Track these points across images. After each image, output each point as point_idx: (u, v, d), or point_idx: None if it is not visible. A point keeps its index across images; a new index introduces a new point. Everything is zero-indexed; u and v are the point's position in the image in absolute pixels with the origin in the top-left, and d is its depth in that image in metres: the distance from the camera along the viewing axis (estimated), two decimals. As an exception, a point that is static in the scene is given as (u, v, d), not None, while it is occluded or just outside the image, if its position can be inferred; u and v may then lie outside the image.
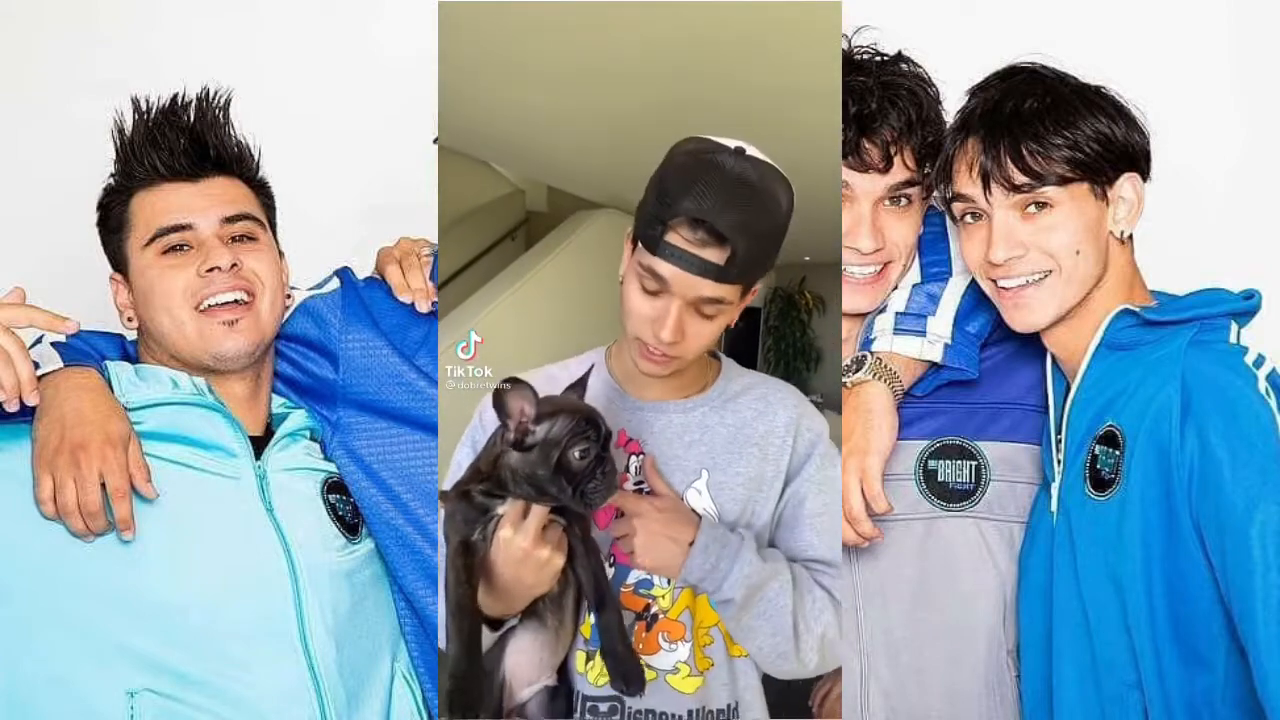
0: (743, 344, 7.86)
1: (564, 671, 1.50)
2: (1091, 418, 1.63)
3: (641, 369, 1.47)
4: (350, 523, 1.76)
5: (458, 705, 1.31)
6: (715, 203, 1.35)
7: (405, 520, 1.78)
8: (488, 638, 1.45)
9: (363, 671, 1.72)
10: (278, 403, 1.83)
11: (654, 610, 1.49)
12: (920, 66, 1.83)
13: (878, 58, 1.81)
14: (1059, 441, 1.69)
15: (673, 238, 1.36)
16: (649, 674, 1.46)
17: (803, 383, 7.88)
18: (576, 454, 1.31)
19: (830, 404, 1.67)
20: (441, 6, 2.05)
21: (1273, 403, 1.51)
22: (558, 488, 1.32)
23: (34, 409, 1.57)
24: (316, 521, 1.72)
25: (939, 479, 1.78)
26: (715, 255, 1.36)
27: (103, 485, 1.54)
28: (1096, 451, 1.61)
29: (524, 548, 1.36)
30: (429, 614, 1.77)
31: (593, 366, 1.48)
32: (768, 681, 1.58)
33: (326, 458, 1.80)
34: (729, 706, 1.50)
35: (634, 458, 1.49)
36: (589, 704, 1.46)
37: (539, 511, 1.36)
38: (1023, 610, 1.75)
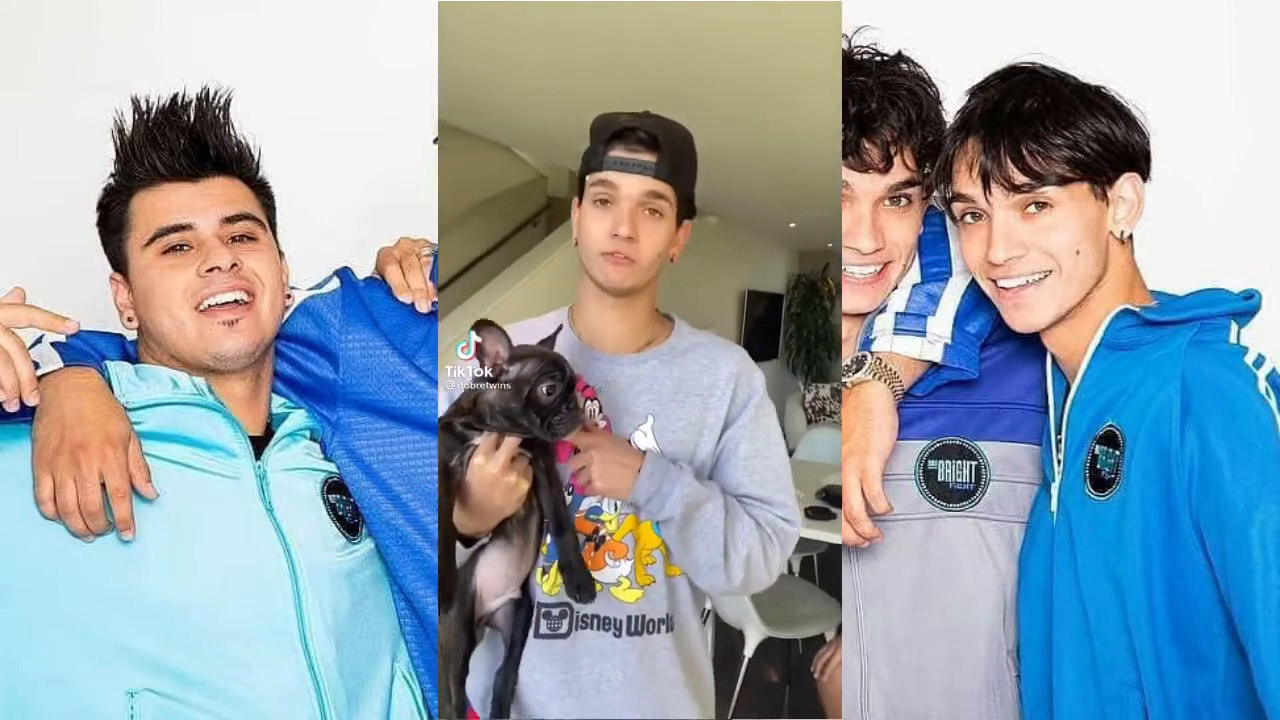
0: (764, 330, 7.89)
1: (526, 587, 1.70)
2: (1091, 418, 1.64)
3: (609, 282, 1.69)
4: (350, 523, 1.76)
5: (439, 594, 1.58)
6: (640, 122, 1.69)
7: (405, 520, 1.78)
8: (462, 554, 1.66)
9: (363, 671, 1.72)
10: (278, 403, 1.83)
11: (602, 533, 1.70)
12: (920, 66, 1.83)
13: (878, 58, 1.81)
14: (1059, 441, 1.69)
15: (613, 152, 1.67)
16: (596, 586, 1.68)
17: (824, 369, 7.93)
18: (544, 390, 1.52)
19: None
20: (441, 6, 2.05)
21: (1273, 403, 1.51)
22: (528, 420, 1.53)
23: (34, 409, 1.57)
24: (316, 521, 1.72)
25: (939, 479, 1.78)
26: (649, 156, 1.67)
27: (103, 485, 1.54)
28: (1096, 451, 1.61)
29: (494, 473, 1.57)
30: (429, 614, 1.77)
31: (561, 326, 1.70)
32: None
33: (326, 458, 1.80)
34: (666, 617, 1.71)
35: (590, 402, 1.69)
36: (543, 609, 1.69)
37: (509, 442, 1.57)
38: (1023, 610, 1.75)
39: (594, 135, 1.72)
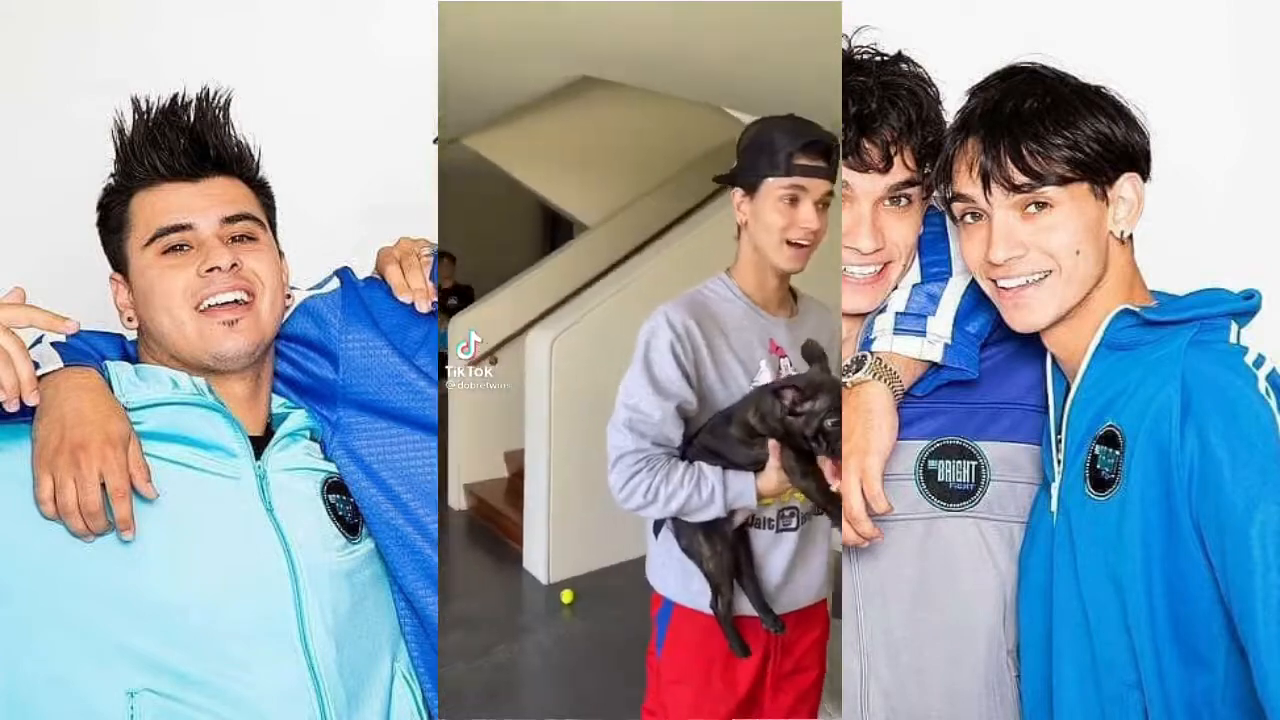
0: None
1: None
2: (1091, 418, 1.64)
3: (790, 268, 1.93)
4: (350, 523, 1.76)
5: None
6: (814, 133, 1.89)
7: (405, 520, 1.78)
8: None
9: (363, 671, 1.72)
10: (278, 403, 1.83)
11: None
12: (920, 66, 1.83)
13: (878, 58, 1.81)
14: (1059, 441, 1.69)
15: (800, 160, 1.88)
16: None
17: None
18: (830, 423, 1.77)
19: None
20: (441, 6, 2.05)
21: (1273, 403, 1.51)
22: (815, 442, 1.80)
23: (34, 409, 1.57)
24: (316, 521, 1.72)
25: (939, 479, 1.78)
26: (824, 163, 1.89)
27: (103, 485, 1.54)
28: (1096, 451, 1.61)
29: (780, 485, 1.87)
30: (429, 614, 1.77)
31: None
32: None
33: (326, 458, 1.80)
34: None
35: (782, 360, 1.92)
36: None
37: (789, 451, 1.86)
38: (1023, 610, 1.75)
39: (772, 137, 1.92)
